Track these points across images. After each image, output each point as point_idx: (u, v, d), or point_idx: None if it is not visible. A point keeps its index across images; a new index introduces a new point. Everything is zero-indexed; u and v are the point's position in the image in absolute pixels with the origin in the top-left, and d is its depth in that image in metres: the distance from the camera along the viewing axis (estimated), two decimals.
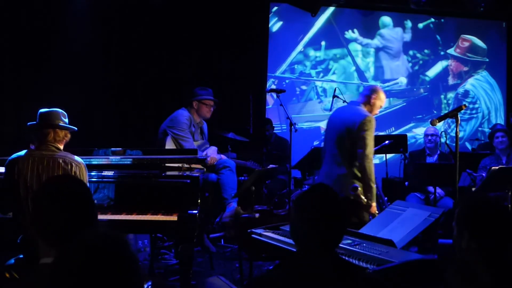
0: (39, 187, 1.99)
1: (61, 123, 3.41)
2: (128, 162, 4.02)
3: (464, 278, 1.65)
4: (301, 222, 1.89)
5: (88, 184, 3.48)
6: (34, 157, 3.31)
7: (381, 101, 4.16)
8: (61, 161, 3.32)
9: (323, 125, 7.86)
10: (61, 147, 3.43)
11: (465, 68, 8.29)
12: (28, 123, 3.44)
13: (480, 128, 8.29)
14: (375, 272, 2.48)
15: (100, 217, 3.61)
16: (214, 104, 5.24)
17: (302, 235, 1.89)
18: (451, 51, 8.26)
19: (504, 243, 1.86)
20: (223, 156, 5.25)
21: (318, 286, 1.74)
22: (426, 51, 8.22)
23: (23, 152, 3.36)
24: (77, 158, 3.41)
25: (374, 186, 3.89)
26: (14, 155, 3.36)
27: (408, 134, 6.97)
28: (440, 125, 6.41)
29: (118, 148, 4.05)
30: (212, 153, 5.11)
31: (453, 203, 5.01)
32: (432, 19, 8.20)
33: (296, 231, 1.92)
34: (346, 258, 2.71)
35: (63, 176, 2.87)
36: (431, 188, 5.66)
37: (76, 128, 3.50)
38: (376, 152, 4.86)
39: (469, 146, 8.00)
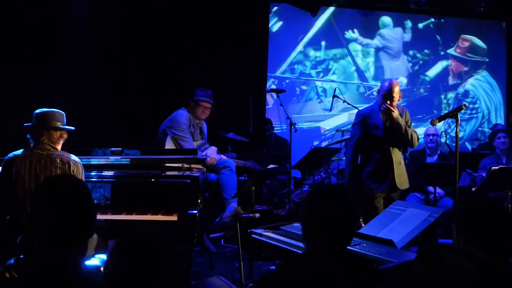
0: (37, 187, 2.00)
1: (58, 123, 3.39)
2: (128, 162, 4.02)
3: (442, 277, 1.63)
4: (313, 221, 1.88)
5: (84, 180, 3.47)
6: (31, 157, 3.30)
7: (384, 92, 4.37)
8: (58, 161, 3.31)
9: (323, 125, 7.86)
10: (58, 147, 3.42)
11: (465, 68, 8.29)
12: (24, 124, 3.44)
13: (480, 128, 8.29)
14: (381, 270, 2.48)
15: (100, 217, 3.61)
16: (212, 106, 5.23)
17: (313, 234, 1.88)
18: (451, 51, 8.26)
19: (504, 243, 1.86)
20: (223, 156, 5.25)
21: (330, 286, 1.74)
22: (426, 51, 8.22)
23: (20, 151, 3.35)
24: (73, 157, 3.40)
25: (348, 174, 4.51)
26: (11, 154, 3.35)
27: None
28: (440, 125, 6.42)
29: (117, 148, 4.04)
30: (212, 153, 5.10)
31: (453, 203, 5.01)
32: (432, 19, 8.20)
33: (307, 230, 1.91)
34: None
35: (61, 176, 2.87)
36: (431, 188, 5.66)
37: (73, 128, 3.48)
38: None
39: (469, 146, 8.00)
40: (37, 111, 3.42)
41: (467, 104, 7.93)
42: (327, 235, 1.84)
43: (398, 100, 4.38)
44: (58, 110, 3.46)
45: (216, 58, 7.04)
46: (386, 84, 4.36)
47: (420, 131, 7.77)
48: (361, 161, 4.55)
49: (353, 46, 8.04)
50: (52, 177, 2.92)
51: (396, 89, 4.32)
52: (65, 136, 3.46)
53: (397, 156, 4.47)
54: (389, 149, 4.42)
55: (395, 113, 4.30)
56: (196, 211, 3.66)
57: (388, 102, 4.31)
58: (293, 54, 7.87)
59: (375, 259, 2.69)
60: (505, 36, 8.31)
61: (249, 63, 7.22)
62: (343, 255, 1.86)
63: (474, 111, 8.30)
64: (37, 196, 1.82)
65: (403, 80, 8.15)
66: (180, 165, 4.15)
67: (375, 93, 7.98)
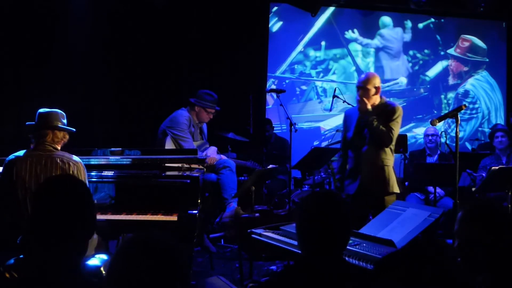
0: (38, 187, 2.00)
1: (60, 124, 3.40)
2: (128, 162, 4.02)
3: None
4: (306, 226, 1.88)
5: (87, 184, 3.47)
6: (32, 158, 3.28)
7: (357, 83, 4.23)
8: (59, 161, 3.30)
9: (323, 125, 7.86)
10: (59, 147, 3.41)
11: (465, 68, 8.29)
12: (27, 123, 3.44)
13: (480, 128, 8.29)
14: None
15: (100, 217, 3.61)
16: (216, 111, 5.23)
17: (308, 239, 1.88)
18: (451, 51, 8.26)
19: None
20: (223, 156, 5.25)
21: None
22: (426, 51, 8.21)
23: (21, 153, 3.34)
24: (74, 157, 3.39)
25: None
26: (12, 156, 3.34)
27: (408, 134, 6.96)
28: (440, 125, 6.41)
29: (118, 148, 4.05)
30: (212, 153, 5.11)
31: (453, 203, 5.02)
32: (432, 19, 8.19)
33: (301, 234, 1.91)
34: (346, 259, 2.71)
35: (62, 176, 2.86)
36: (431, 188, 5.66)
37: (74, 130, 3.49)
38: None
39: (469, 146, 8.00)
40: (41, 110, 3.41)
41: (467, 104, 7.93)
42: (321, 241, 1.83)
43: (376, 94, 4.11)
44: (60, 111, 3.46)
45: (216, 58, 7.03)
46: (362, 76, 4.21)
47: (420, 131, 7.79)
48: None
49: (353, 46, 8.03)
50: (52, 177, 2.92)
51: (371, 81, 4.09)
52: (67, 137, 3.46)
53: (371, 156, 4.12)
54: (360, 148, 4.15)
55: (364, 106, 4.06)
56: (196, 211, 3.66)
57: (361, 93, 4.11)
58: (293, 54, 7.87)
59: (375, 259, 2.68)
60: (505, 36, 8.30)
61: (249, 63, 7.22)
62: (339, 260, 1.86)
63: (474, 111, 8.29)
64: (38, 196, 1.82)
65: (403, 80, 8.15)
66: (180, 165, 4.15)
67: None
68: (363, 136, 4.14)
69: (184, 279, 1.45)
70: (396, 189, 4.18)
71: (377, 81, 4.15)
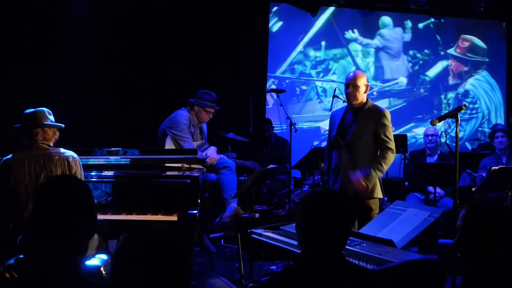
0: (39, 187, 2.00)
1: (48, 122, 3.37)
2: (128, 162, 4.02)
3: None
4: (306, 225, 1.88)
5: (84, 179, 3.45)
6: (29, 159, 3.26)
7: (345, 81, 4.18)
8: (57, 158, 3.29)
9: (323, 125, 7.86)
10: (52, 144, 3.39)
11: (465, 68, 8.29)
12: (15, 125, 3.41)
13: (480, 128, 8.29)
14: (376, 272, 2.48)
15: (101, 217, 3.61)
16: (215, 111, 5.23)
17: (307, 238, 1.88)
18: (451, 51, 8.26)
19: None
20: (223, 156, 5.25)
21: None
22: (426, 51, 8.22)
23: (16, 154, 3.30)
24: (69, 152, 3.38)
25: None
26: (5, 158, 3.31)
27: (408, 134, 6.97)
28: (440, 125, 6.41)
29: (117, 148, 4.04)
30: (211, 153, 5.10)
31: (453, 203, 5.02)
32: (432, 19, 8.20)
33: (301, 234, 1.91)
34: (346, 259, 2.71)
35: (63, 176, 2.86)
36: (431, 188, 5.66)
37: (63, 125, 3.46)
38: None
39: (469, 146, 8.00)
40: (27, 111, 3.39)
41: (467, 104, 7.93)
42: (321, 241, 1.84)
43: (365, 92, 4.10)
44: (46, 109, 3.43)
45: (216, 58, 7.04)
46: (351, 74, 4.17)
47: (420, 131, 7.79)
48: None
49: (353, 46, 8.03)
50: (53, 177, 2.91)
51: (361, 79, 4.07)
52: (58, 134, 3.43)
53: (350, 157, 4.05)
54: (342, 148, 4.10)
55: (361, 186, 3.94)
56: (196, 211, 3.66)
57: (351, 90, 4.08)
58: (293, 54, 7.87)
59: (375, 259, 2.69)
60: (505, 36, 8.31)
61: (249, 63, 7.22)
62: (338, 259, 1.86)
63: (474, 111, 8.30)
64: (38, 196, 1.82)
65: (403, 80, 8.15)
66: (180, 165, 4.15)
67: (375, 93, 7.98)
68: (343, 137, 4.11)
69: (188, 271, 1.45)
70: (379, 195, 4.10)
71: (366, 80, 4.17)
